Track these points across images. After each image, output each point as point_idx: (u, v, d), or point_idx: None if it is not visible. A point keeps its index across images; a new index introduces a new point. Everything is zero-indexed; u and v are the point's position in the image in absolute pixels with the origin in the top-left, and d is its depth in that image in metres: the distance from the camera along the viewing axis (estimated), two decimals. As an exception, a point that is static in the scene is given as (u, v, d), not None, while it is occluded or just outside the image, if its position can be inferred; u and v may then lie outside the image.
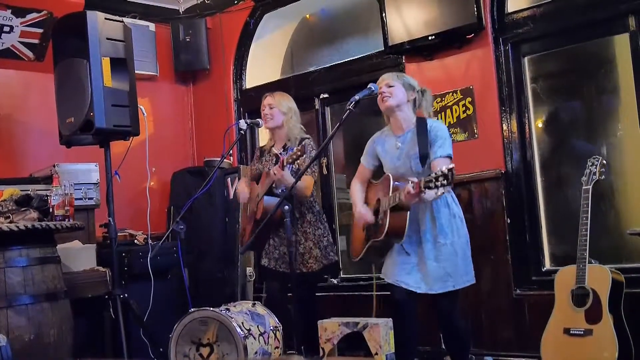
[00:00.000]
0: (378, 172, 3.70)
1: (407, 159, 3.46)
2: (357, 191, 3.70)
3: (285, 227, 3.47)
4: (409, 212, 3.33)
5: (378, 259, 3.65)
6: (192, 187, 5.08)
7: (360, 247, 3.59)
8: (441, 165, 3.19)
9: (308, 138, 4.13)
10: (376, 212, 3.49)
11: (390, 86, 3.51)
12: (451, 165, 3.02)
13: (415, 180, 3.15)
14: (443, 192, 3.06)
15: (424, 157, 3.38)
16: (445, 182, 3.00)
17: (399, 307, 3.48)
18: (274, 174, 3.82)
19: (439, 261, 3.38)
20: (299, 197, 3.98)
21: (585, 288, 3.43)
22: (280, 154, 4.09)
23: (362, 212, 3.55)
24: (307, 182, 3.98)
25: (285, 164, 3.77)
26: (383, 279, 3.58)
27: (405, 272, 3.42)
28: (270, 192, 3.96)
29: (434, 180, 3.03)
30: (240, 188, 4.36)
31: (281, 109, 4.13)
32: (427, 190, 3.08)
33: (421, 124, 3.47)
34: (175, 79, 6.08)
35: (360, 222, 3.58)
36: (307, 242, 4.04)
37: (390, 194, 3.36)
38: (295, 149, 3.80)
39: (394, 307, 3.52)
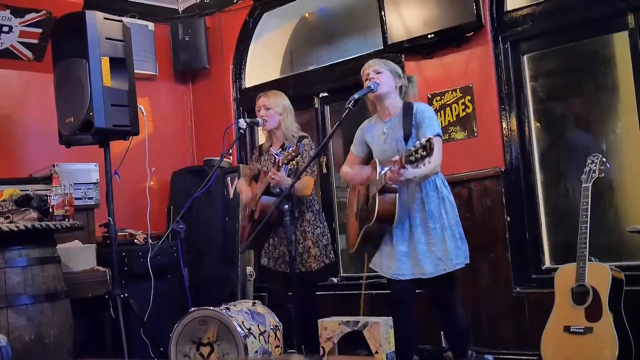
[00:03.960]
0: (368, 160, 3.70)
1: (393, 142, 3.48)
2: (347, 167, 3.74)
3: (285, 226, 3.48)
4: (397, 195, 3.33)
5: (372, 249, 3.63)
6: (192, 186, 5.08)
7: (355, 238, 3.60)
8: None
9: (306, 137, 4.13)
10: (367, 199, 3.50)
11: (379, 72, 3.51)
12: (429, 136, 3.00)
13: (397, 157, 3.15)
14: (426, 169, 3.11)
15: (407, 137, 3.41)
16: (424, 153, 2.98)
17: (398, 301, 3.48)
18: (272, 177, 3.82)
19: (429, 245, 3.39)
20: (299, 196, 3.98)
21: (585, 286, 3.43)
22: (277, 154, 4.08)
23: (364, 171, 3.57)
24: (307, 182, 3.97)
25: (280, 164, 3.77)
26: (373, 278, 3.57)
27: (398, 262, 3.43)
28: (267, 192, 3.96)
29: (413, 153, 3.02)
30: (242, 188, 4.36)
31: (277, 110, 4.12)
32: (408, 165, 3.08)
33: (407, 107, 3.51)
34: (175, 78, 6.08)
35: (365, 177, 3.56)
36: (306, 241, 4.03)
37: (377, 178, 3.37)
38: (290, 149, 3.80)
39: (392, 302, 3.52)
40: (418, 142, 3.02)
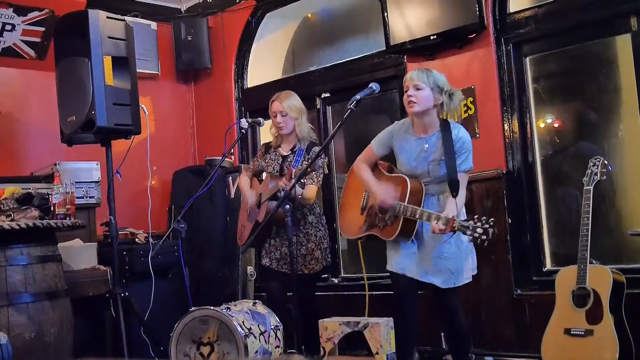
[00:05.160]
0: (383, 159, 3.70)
1: (425, 162, 3.42)
2: (367, 171, 3.61)
3: (287, 226, 3.47)
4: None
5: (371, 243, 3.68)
6: (193, 186, 5.08)
7: (357, 231, 3.61)
8: (463, 181, 3.33)
9: (316, 144, 4.08)
10: (383, 210, 3.48)
11: (418, 89, 3.38)
12: (492, 222, 3.02)
13: (450, 216, 3.15)
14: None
15: (448, 163, 3.35)
16: (485, 238, 3.03)
17: (400, 298, 3.49)
18: (282, 188, 3.72)
19: (443, 258, 3.39)
20: (301, 203, 3.95)
21: (586, 288, 3.43)
22: (288, 156, 4.04)
23: (383, 195, 3.47)
24: (311, 193, 3.94)
25: (293, 176, 3.68)
26: (374, 279, 3.56)
27: (409, 261, 3.43)
28: (274, 198, 3.91)
29: (471, 229, 3.06)
30: (245, 189, 4.26)
31: (292, 115, 4.03)
32: (460, 232, 3.12)
33: (445, 129, 3.40)
34: (177, 77, 6.08)
35: (382, 204, 3.48)
36: (310, 243, 4.02)
37: (407, 203, 3.34)
38: (303, 162, 3.75)
39: (395, 298, 3.52)
40: (484, 224, 3.03)
